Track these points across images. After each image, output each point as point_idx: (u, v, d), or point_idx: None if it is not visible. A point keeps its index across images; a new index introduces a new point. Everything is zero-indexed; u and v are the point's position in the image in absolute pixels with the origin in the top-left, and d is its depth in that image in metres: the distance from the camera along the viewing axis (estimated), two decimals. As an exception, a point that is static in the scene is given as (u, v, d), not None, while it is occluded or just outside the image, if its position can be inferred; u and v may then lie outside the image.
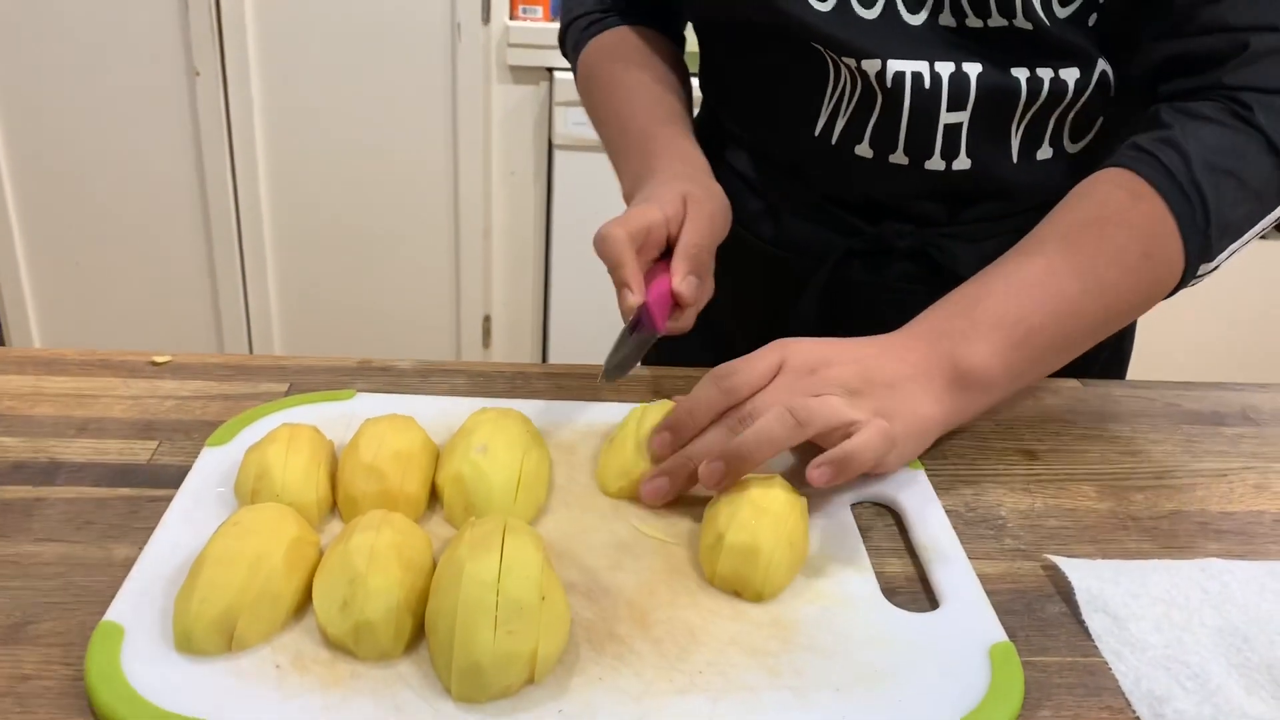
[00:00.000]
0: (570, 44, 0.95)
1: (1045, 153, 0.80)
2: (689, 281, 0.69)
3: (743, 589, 0.55)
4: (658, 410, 0.66)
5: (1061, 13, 0.72)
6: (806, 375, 0.62)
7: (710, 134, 0.90)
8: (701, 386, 0.63)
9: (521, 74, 2.03)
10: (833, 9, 0.75)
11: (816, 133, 0.81)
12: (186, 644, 0.49)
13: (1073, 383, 0.82)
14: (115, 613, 0.51)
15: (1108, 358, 0.92)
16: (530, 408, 0.70)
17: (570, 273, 2.17)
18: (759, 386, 0.62)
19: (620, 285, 0.67)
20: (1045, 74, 0.75)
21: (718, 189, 0.77)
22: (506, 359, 2.29)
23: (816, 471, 0.58)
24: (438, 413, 0.69)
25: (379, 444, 0.60)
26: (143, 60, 1.99)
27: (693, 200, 0.72)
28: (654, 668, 0.50)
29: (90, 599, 0.53)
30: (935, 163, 0.78)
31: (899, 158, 0.79)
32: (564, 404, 0.73)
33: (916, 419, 0.63)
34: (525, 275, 2.23)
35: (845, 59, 0.76)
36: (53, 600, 0.53)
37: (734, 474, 0.59)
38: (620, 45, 0.90)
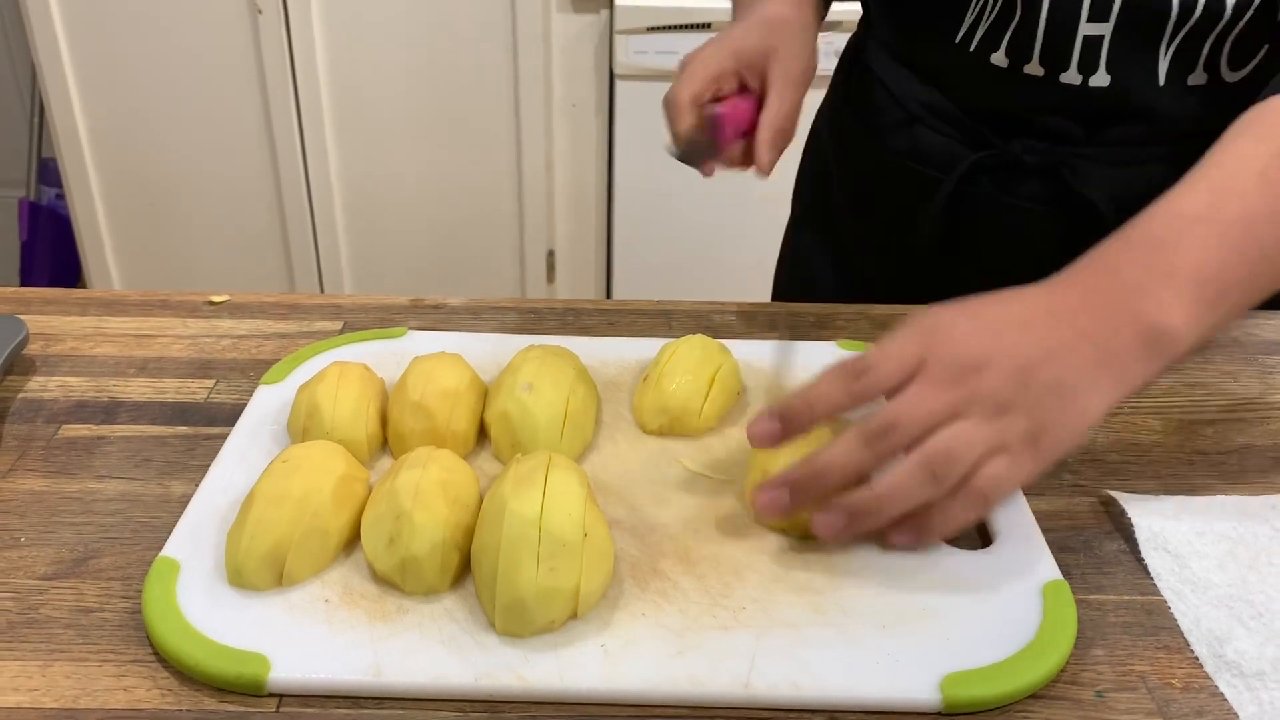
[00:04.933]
0: None
1: (1199, 78, 0.73)
2: (771, 155, 0.71)
3: (789, 524, 0.55)
4: (689, 346, 0.65)
5: None
6: (950, 386, 0.51)
7: (861, 40, 0.90)
8: (828, 381, 0.53)
9: (582, 2, 2.00)
10: None
11: (957, 39, 0.78)
12: (238, 579, 0.50)
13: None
14: (172, 548, 0.52)
15: None
16: (580, 344, 0.69)
17: (634, 206, 2.15)
18: (894, 388, 0.52)
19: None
20: None
21: (808, 43, 0.77)
22: (571, 295, 2.29)
23: (900, 537, 0.53)
24: (488, 350, 0.69)
25: (427, 382, 0.60)
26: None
27: (776, 59, 0.72)
28: (697, 604, 0.50)
29: (148, 534, 0.55)
30: (1071, 76, 0.74)
31: (1034, 68, 0.75)
32: (614, 340, 0.72)
33: (1073, 428, 0.52)
34: (588, 209, 2.22)
35: None
36: (113, 535, 0.55)
37: (854, 530, 0.52)
38: None
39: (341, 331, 0.74)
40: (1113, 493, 0.58)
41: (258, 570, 0.50)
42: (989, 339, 0.52)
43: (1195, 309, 0.53)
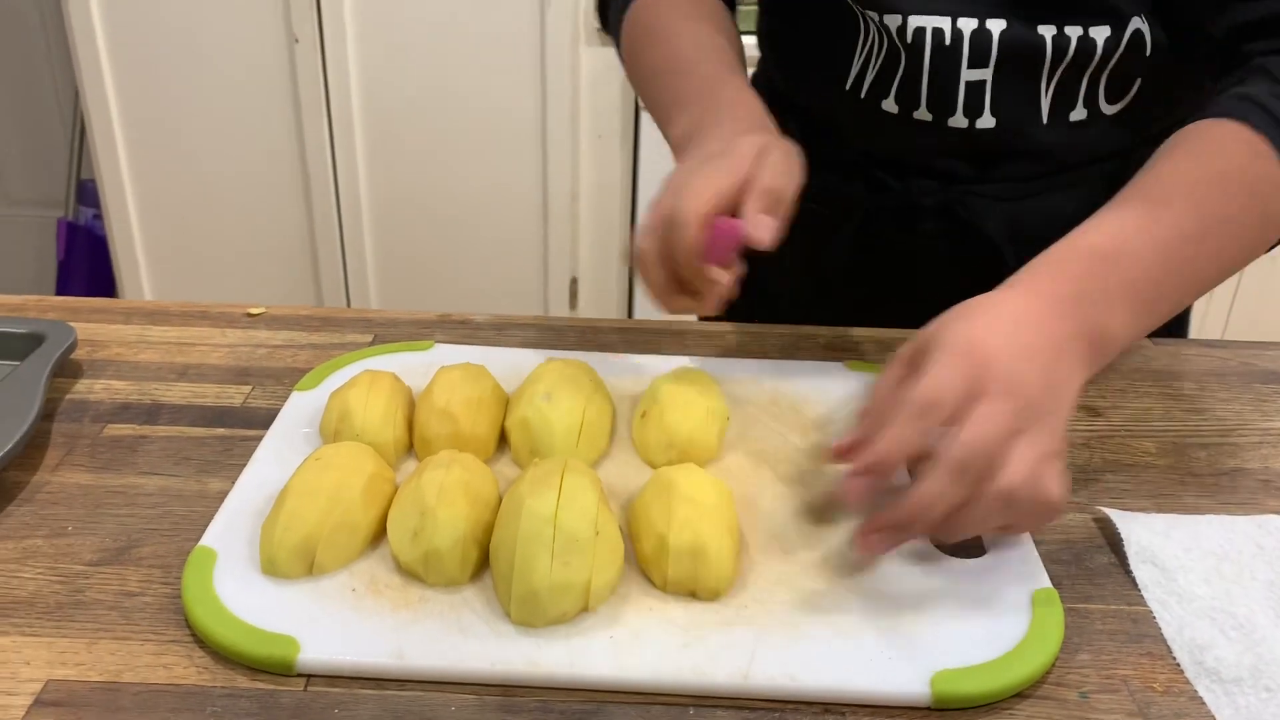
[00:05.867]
0: (615, 5, 0.89)
1: (1079, 114, 0.78)
2: (762, 222, 0.61)
3: (697, 589, 0.53)
4: (683, 379, 0.66)
5: None
6: (1007, 400, 0.51)
7: (760, 90, 0.91)
8: (897, 424, 0.52)
9: (609, 36, 2.05)
10: None
11: (848, 87, 0.82)
12: (271, 568, 0.53)
13: (1142, 341, 0.81)
14: (209, 538, 0.56)
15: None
16: (598, 359, 0.72)
17: (656, 235, 2.18)
18: (961, 419, 0.51)
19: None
20: (1073, 31, 0.73)
21: (791, 144, 0.78)
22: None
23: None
24: (510, 363, 0.72)
25: (452, 390, 0.64)
26: (245, 27, 2.07)
27: (767, 151, 0.68)
28: (702, 601, 0.53)
29: (187, 526, 0.58)
30: (958, 120, 0.78)
31: (923, 114, 0.79)
32: (631, 357, 0.75)
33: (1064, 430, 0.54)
34: (612, 238, 2.26)
35: (869, 12, 0.77)
36: (154, 527, 0.58)
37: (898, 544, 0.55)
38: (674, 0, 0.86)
39: (372, 344, 0.78)
40: (1105, 509, 0.61)
41: (289, 560, 0.53)
42: (1020, 354, 0.53)
43: (1134, 318, 0.59)
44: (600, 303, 2.35)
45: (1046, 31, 0.74)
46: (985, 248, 0.82)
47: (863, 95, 0.81)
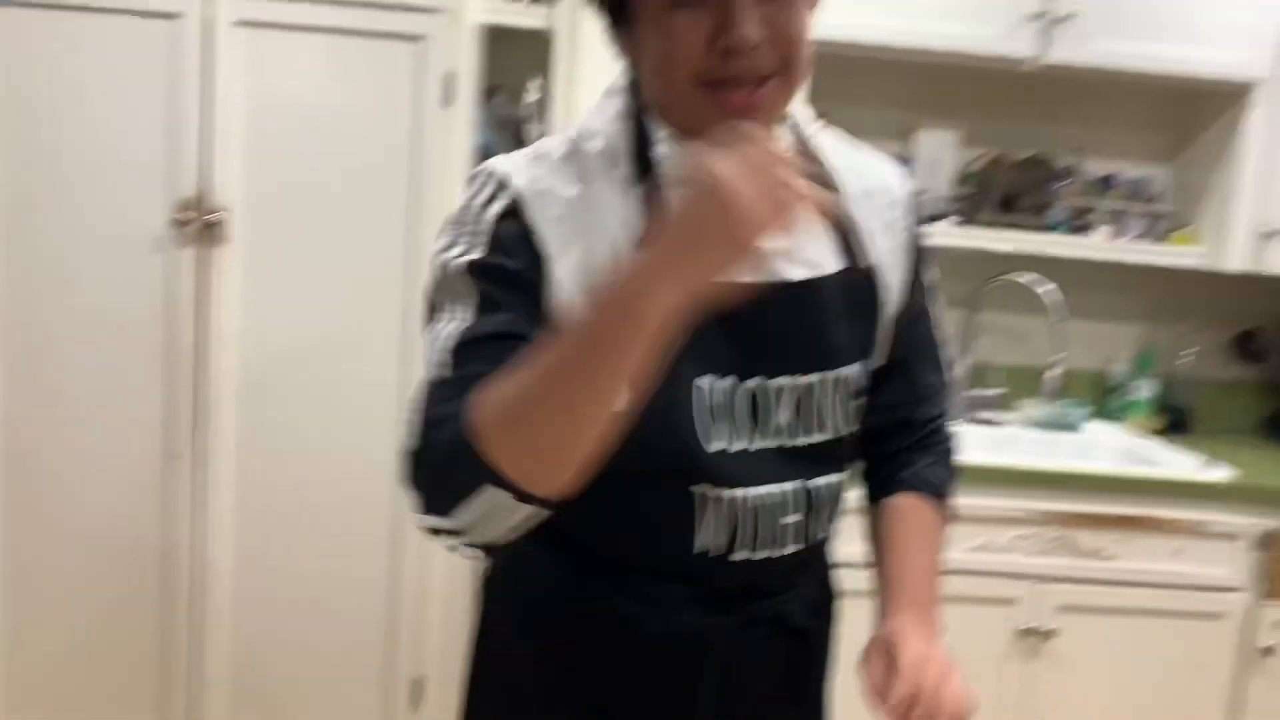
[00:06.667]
0: (453, 420, 0.84)
1: (830, 527, 1.12)
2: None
3: None
4: None
5: (849, 427, 1.08)
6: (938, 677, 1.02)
7: (568, 568, 1.07)
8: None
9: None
10: (714, 452, 0.99)
11: (685, 548, 1.01)
12: None
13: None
14: None
15: None
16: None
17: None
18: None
19: None
20: (837, 478, 1.08)
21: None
22: (434, 720, 2.40)
23: None
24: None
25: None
26: (127, 440, 2.26)
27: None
28: None
29: None
30: (776, 551, 1.04)
31: (756, 554, 1.03)
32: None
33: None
34: (460, 634, 2.38)
35: (722, 491, 0.99)
36: None
37: None
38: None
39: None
40: None
41: None
42: (934, 640, 1.09)
43: (939, 610, 1.12)
44: (446, 709, 2.42)
45: (824, 479, 1.07)
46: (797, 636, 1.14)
47: (695, 549, 1.01)
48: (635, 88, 1.01)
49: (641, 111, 1.00)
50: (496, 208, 0.95)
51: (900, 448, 1.18)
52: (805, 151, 1.06)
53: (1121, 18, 2.42)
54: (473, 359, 0.88)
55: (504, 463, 0.82)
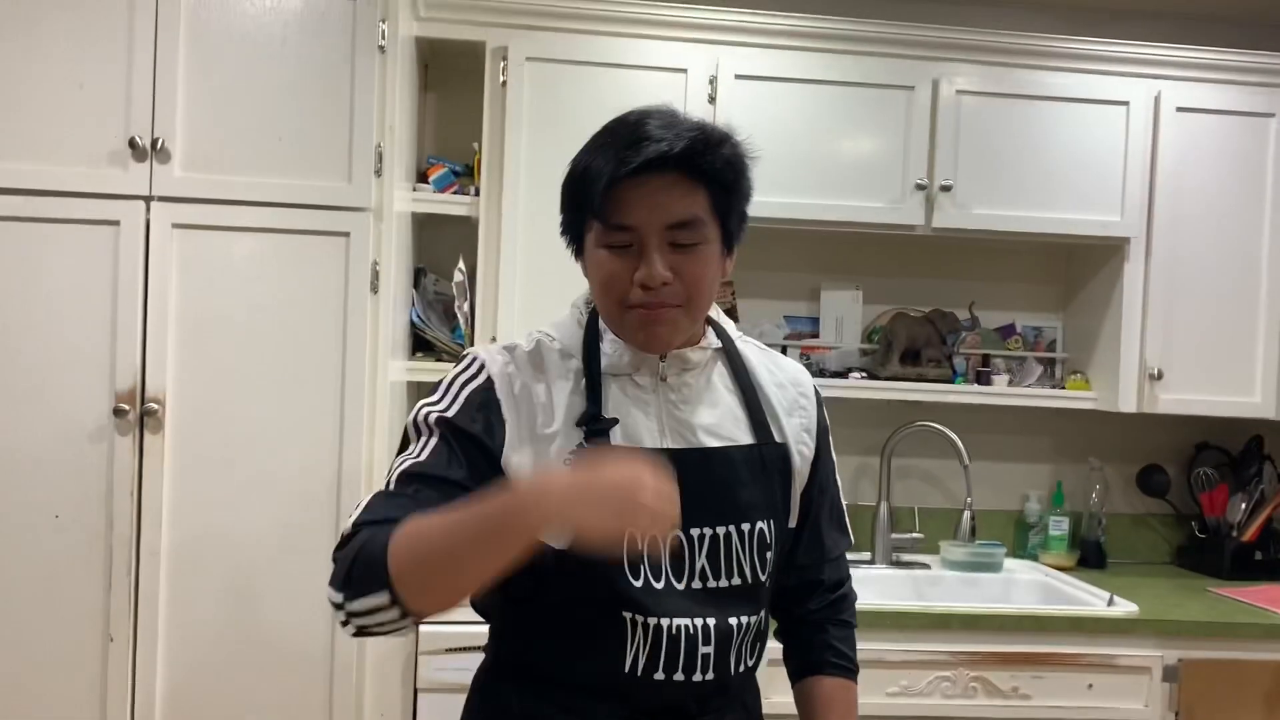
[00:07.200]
0: (382, 534, 1.08)
1: (749, 661, 1.29)
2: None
3: None
4: None
5: (764, 574, 1.26)
6: None
7: (500, 681, 1.31)
8: None
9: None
10: (641, 584, 1.20)
11: (618, 666, 1.21)
12: None
13: None
14: None
15: None
16: None
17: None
18: None
19: None
20: (753, 618, 1.25)
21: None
22: None
23: None
24: None
25: None
26: (64, 623, 2.30)
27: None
28: None
29: None
30: (696, 676, 1.22)
31: (678, 676, 1.21)
32: None
33: None
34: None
35: (648, 618, 1.19)
36: None
37: None
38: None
39: None
40: None
41: None
42: None
43: None
44: None
45: (738, 619, 1.23)
46: None
47: (625, 670, 1.20)
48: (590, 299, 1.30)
49: (594, 315, 1.29)
50: (475, 384, 1.25)
51: (814, 610, 1.41)
52: (731, 353, 1.33)
53: (995, 188, 2.65)
54: (411, 487, 1.17)
55: (399, 581, 1.06)
